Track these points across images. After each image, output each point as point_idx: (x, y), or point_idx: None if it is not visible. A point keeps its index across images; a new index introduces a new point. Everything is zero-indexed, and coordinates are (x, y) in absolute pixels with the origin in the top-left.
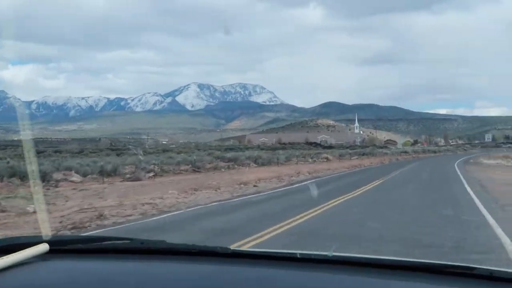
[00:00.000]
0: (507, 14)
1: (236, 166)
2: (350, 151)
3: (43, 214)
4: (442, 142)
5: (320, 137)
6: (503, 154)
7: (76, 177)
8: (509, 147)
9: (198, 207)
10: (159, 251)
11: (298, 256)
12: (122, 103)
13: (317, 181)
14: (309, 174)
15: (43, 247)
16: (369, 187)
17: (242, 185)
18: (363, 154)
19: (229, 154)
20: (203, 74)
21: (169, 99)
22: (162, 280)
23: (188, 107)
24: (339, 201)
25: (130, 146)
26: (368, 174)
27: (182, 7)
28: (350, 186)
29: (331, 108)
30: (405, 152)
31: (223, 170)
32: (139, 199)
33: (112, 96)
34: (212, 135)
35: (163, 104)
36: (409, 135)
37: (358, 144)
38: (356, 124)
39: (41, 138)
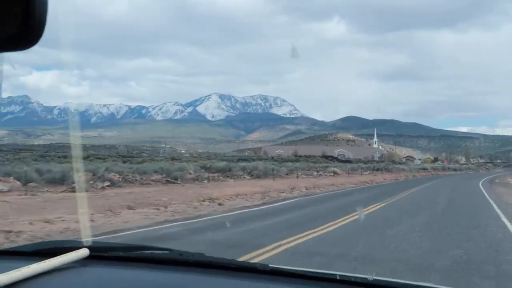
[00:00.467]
0: None
1: (222, 178)
2: (363, 166)
3: None
4: (463, 160)
5: (338, 151)
6: None
7: (3, 186)
8: None
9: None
10: (197, 263)
11: (338, 277)
12: (143, 111)
13: (306, 200)
14: (306, 190)
15: (84, 252)
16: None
17: (203, 202)
18: (377, 170)
19: (222, 164)
20: (224, 84)
21: (189, 109)
22: None
23: (209, 117)
24: (300, 240)
25: (143, 153)
26: (373, 193)
27: (203, 16)
28: (338, 210)
29: (351, 123)
30: (424, 168)
31: (205, 181)
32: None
33: (133, 104)
34: (231, 146)
35: (183, 114)
36: (429, 152)
37: (377, 159)
38: (375, 139)
39: (60, 143)
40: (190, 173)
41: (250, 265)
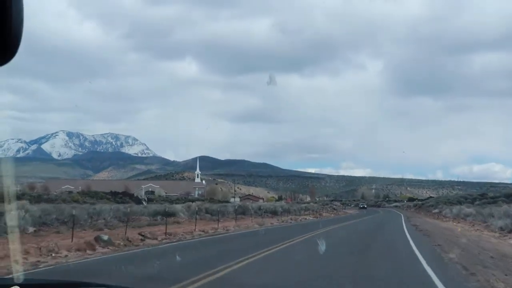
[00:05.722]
0: (370, 81)
1: None
2: None
3: None
4: (308, 198)
5: (145, 186)
6: None
7: None
8: (395, 205)
9: None
10: None
11: None
12: None
13: None
14: None
15: None
16: None
17: None
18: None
19: None
20: (73, 122)
21: (34, 147)
22: None
23: (55, 156)
24: None
25: None
26: None
27: (50, 50)
28: None
29: (203, 163)
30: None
31: None
32: None
33: None
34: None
35: (27, 152)
36: (277, 192)
37: (197, 196)
38: (198, 171)
39: None
40: None
41: None
